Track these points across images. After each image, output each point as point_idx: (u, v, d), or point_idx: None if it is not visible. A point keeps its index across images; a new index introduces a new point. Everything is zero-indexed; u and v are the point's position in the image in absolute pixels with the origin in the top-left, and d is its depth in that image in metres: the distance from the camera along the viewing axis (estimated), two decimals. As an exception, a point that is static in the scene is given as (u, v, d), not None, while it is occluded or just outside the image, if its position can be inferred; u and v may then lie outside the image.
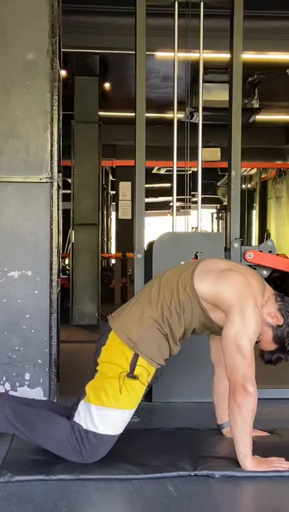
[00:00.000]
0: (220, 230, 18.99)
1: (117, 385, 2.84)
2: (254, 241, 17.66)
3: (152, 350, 2.89)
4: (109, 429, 2.85)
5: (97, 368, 2.93)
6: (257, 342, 2.98)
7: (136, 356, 2.86)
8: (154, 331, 2.91)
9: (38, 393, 3.63)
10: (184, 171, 4.50)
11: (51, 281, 3.65)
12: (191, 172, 4.68)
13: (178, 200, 4.44)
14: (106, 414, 2.84)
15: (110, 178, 15.43)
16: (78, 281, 8.21)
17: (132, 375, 2.85)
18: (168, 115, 9.89)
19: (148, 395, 4.10)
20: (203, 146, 4.43)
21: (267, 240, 4.53)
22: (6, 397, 3.09)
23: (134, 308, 2.97)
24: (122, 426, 2.90)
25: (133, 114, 4.24)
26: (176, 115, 4.36)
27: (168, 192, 15.36)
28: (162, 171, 14.47)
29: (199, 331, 3.07)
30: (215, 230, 20.05)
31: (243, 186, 16.86)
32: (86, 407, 2.86)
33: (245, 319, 2.83)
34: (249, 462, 2.78)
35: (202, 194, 4.44)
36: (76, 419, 2.87)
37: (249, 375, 2.79)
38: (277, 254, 4.36)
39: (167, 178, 14.25)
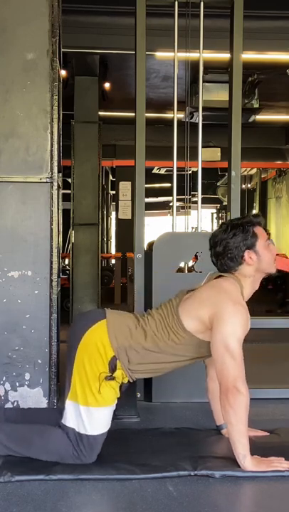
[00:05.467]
0: (220, 230, 18.95)
1: (98, 386, 2.85)
2: (254, 241, 17.60)
3: (127, 364, 2.91)
4: (99, 428, 2.87)
5: (75, 358, 2.91)
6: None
7: (115, 359, 2.88)
8: (134, 353, 2.92)
9: (38, 393, 3.63)
10: (184, 170, 4.50)
11: (51, 281, 3.65)
12: (191, 172, 4.68)
13: (178, 200, 4.44)
14: (94, 414, 2.86)
15: (110, 178, 15.43)
16: (78, 281, 8.20)
17: (111, 377, 2.87)
18: (168, 115, 9.90)
19: (148, 395, 4.11)
20: (203, 146, 4.43)
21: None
22: None
23: (132, 325, 2.96)
24: (109, 422, 2.92)
25: (133, 114, 4.25)
26: (176, 115, 4.36)
27: (168, 192, 15.36)
28: (162, 171, 14.47)
29: (204, 358, 3.10)
30: (215, 230, 20.01)
31: (243, 186, 16.86)
32: (74, 408, 2.87)
33: (228, 322, 2.84)
34: (248, 462, 2.78)
35: (202, 194, 4.45)
36: (67, 422, 2.88)
37: (240, 375, 2.80)
38: (277, 254, 4.36)
39: (167, 178, 14.25)
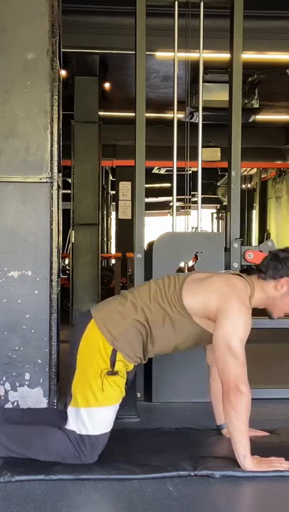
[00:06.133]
0: (220, 230, 18.99)
1: (100, 383, 2.85)
2: (254, 241, 17.66)
3: (128, 348, 2.91)
4: (101, 428, 2.87)
5: (76, 364, 2.92)
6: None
7: (114, 351, 2.88)
8: (132, 330, 2.92)
9: (38, 393, 3.63)
10: (184, 170, 4.50)
11: (51, 281, 3.65)
12: (191, 172, 4.68)
13: (178, 200, 4.44)
14: (95, 414, 2.86)
15: (110, 178, 15.42)
16: (78, 281, 8.21)
17: (112, 371, 2.86)
18: (168, 115, 9.90)
19: (148, 395, 4.11)
20: (203, 146, 4.43)
21: (267, 240, 4.53)
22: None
23: (120, 307, 2.98)
24: (111, 422, 2.92)
25: (133, 114, 4.25)
26: (176, 115, 4.36)
27: (168, 192, 15.36)
28: (162, 171, 14.47)
29: (198, 346, 3.10)
30: (215, 230, 20.05)
31: (243, 186, 16.86)
32: (76, 412, 2.87)
33: (233, 320, 2.85)
34: (249, 462, 2.78)
35: (202, 194, 4.45)
36: (68, 426, 2.88)
37: (241, 375, 2.80)
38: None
39: (167, 178, 14.25)
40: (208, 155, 10.31)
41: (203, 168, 4.43)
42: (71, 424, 2.88)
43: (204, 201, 11.05)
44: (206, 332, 2.97)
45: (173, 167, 4.36)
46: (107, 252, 14.78)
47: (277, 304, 3.05)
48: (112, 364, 2.87)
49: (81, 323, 2.99)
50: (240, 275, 3.07)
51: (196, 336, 3.00)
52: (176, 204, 4.38)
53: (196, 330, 2.97)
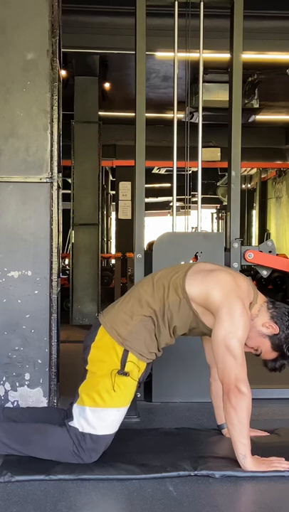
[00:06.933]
0: (220, 230, 18.99)
1: (110, 384, 2.85)
2: (254, 241, 17.67)
3: (141, 346, 2.91)
4: (105, 429, 2.87)
5: (87, 368, 2.94)
6: (257, 355, 3.04)
7: (126, 352, 2.88)
8: (142, 327, 2.92)
9: (38, 393, 3.63)
10: (184, 170, 4.50)
11: (51, 281, 3.65)
12: (191, 172, 4.67)
13: (178, 200, 4.44)
14: (101, 414, 2.85)
15: (110, 178, 15.43)
16: (78, 281, 8.21)
17: (122, 372, 2.86)
18: (168, 115, 9.91)
19: (148, 395, 4.11)
20: (203, 146, 4.43)
21: (267, 239, 4.53)
22: None
23: (124, 305, 2.99)
24: (117, 424, 2.91)
25: (133, 114, 4.25)
26: (176, 115, 4.36)
27: (168, 192, 15.36)
28: (162, 171, 14.47)
29: (191, 334, 3.10)
30: (215, 230, 20.04)
31: (243, 186, 16.86)
32: (80, 410, 2.88)
33: (233, 320, 2.85)
34: (249, 462, 2.78)
35: (202, 194, 4.45)
36: (71, 423, 2.88)
37: (241, 375, 2.80)
38: (277, 254, 4.37)
39: (167, 178, 14.25)
40: (208, 155, 10.32)
41: (203, 168, 4.42)
42: (74, 422, 2.88)
43: (204, 201, 11.06)
44: (200, 320, 2.97)
45: (173, 167, 4.36)
46: (107, 252, 14.79)
47: (251, 335, 2.99)
48: (123, 365, 2.87)
49: (92, 331, 3.00)
50: (248, 279, 3.08)
51: (191, 321, 3.00)
52: (176, 204, 4.38)
53: (192, 315, 2.97)
